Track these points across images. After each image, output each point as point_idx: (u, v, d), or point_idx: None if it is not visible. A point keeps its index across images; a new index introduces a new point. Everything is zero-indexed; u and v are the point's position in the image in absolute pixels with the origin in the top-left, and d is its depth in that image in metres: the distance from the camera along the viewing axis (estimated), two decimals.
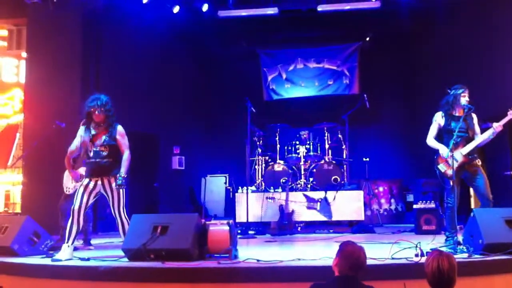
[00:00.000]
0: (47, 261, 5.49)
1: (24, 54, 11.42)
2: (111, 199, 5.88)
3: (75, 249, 5.91)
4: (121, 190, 5.88)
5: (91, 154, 5.89)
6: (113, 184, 5.85)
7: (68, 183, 7.09)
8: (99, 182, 5.87)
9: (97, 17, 10.02)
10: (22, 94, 12.04)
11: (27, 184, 9.78)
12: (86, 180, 5.89)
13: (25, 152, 9.33)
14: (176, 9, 10.38)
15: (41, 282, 5.20)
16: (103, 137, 5.92)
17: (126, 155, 5.97)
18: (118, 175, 5.85)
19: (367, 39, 12.19)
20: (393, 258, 4.94)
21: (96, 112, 5.88)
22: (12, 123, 12.97)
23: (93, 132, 5.93)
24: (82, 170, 6.60)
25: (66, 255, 5.54)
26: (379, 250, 5.38)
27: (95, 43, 10.21)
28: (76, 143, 6.02)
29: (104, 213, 9.16)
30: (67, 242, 5.65)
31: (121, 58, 10.53)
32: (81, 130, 5.99)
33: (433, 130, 6.39)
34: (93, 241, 7.20)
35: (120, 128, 6.04)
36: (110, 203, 5.91)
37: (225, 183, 11.57)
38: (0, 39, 12.97)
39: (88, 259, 5.42)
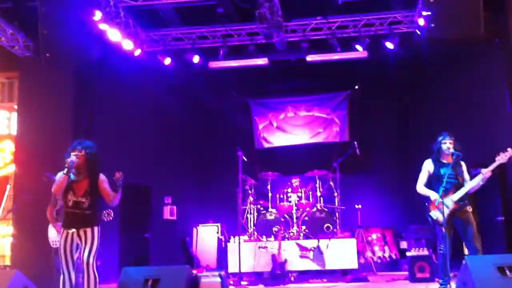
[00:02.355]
0: None
1: (15, 106, 11.47)
2: (84, 245, 5.61)
3: None
4: (95, 239, 5.62)
5: (70, 203, 5.68)
6: (89, 233, 5.62)
7: (54, 236, 7.02)
8: (75, 234, 5.65)
9: (89, 70, 10.13)
10: (13, 146, 12.03)
11: (17, 236, 9.67)
12: (63, 234, 5.67)
13: (15, 205, 9.26)
14: (167, 61, 10.53)
15: None
16: (85, 186, 5.71)
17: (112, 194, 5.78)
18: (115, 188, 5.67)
19: (356, 87, 12.38)
20: None
21: (76, 152, 5.67)
22: (3, 175, 12.91)
23: (72, 177, 5.69)
24: None
25: None
26: None
27: (87, 96, 10.29)
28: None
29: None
30: None
31: (113, 110, 10.60)
32: (59, 175, 5.70)
33: (422, 177, 6.44)
34: None
35: (102, 176, 5.82)
36: (82, 249, 5.62)
37: (217, 232, 11.47)
38: None
39: None
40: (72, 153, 5.70)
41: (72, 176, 5.69)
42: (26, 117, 10.19)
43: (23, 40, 9.68)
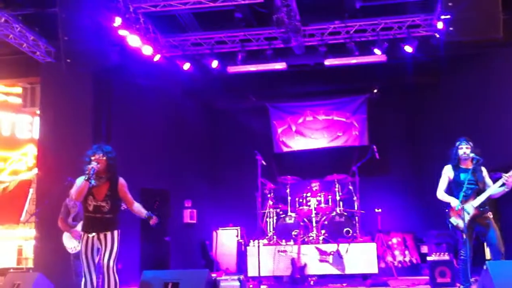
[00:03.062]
0: None
1: (37, 111, 11.66)
2: (104, 249, 5.71)
3: None
4: (115, 243, 5.75)
5: (91, 208, 5.76)
6: (109, 237, 5.74)
7: (70, 243, 7.12)
8: (96, 238, 5.74)
9: (108, 75, 10.26)
10: (35, 150, 12.22)
11: (39, 239, 9.81)
12: (84, 238, 5.77)
13: (38, 209, 9.40)
14: (186, 66, 10.59)
15: None
16: (105, 191, 5.81)
17: (136, 204, 6.01)
18: (145, 213, 5.95)
19: (375, 91, 12.34)
20: None
21: (97, 156, 5.73)
22: (26, 178, 13.12)
23: (93, 182, 5.72)
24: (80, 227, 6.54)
25: None
26: None
27: (106, 100, 10.43)
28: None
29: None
30: None
31: (132, 114, 10.72)
32: (79, 180, 5.74)
33: (443, 183, 6.40)
34: None
35: (122, 180, 5.93)
36: (102, 252, 5.72)
37: (237, 236, 11.51)
38: (15, 97, 13.29)
39: None
40: (92, 158, 5.76)
41: (92, 182, 5.75)
42: (48, 122, 10.35)
43: (44, 46, 9.84)
